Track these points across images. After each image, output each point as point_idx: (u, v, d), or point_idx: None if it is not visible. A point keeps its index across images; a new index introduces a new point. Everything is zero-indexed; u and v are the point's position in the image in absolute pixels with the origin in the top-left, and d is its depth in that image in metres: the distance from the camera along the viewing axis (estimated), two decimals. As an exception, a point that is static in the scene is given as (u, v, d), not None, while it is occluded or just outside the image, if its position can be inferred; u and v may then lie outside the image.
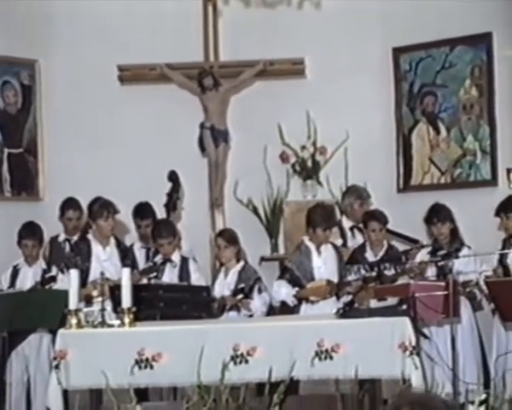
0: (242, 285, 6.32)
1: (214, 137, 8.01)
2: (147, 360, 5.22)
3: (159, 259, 6.63)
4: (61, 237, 7.36)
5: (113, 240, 6.55)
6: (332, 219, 6.61)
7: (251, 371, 5.24)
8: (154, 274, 6.44)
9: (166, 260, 6.55)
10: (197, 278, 6.55)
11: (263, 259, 7.89)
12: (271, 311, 6.45)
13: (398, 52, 8.02)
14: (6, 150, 8.00)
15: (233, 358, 5.23)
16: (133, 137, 8.16)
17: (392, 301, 5.49)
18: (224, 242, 6.49)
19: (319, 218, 6.44)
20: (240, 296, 6.27)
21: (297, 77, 8.13)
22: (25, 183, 8.12)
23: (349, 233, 7.32)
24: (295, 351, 5.23)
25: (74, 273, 5.38)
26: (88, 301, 6.09)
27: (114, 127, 8.17)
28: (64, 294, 5.46)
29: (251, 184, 8.14)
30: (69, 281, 5.55)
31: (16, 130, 8.08)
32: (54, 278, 6.31)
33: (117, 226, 6.80)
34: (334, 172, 8.11)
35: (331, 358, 5.25)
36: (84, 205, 7.11)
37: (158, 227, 6.73)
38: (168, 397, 6.16)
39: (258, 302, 6.34)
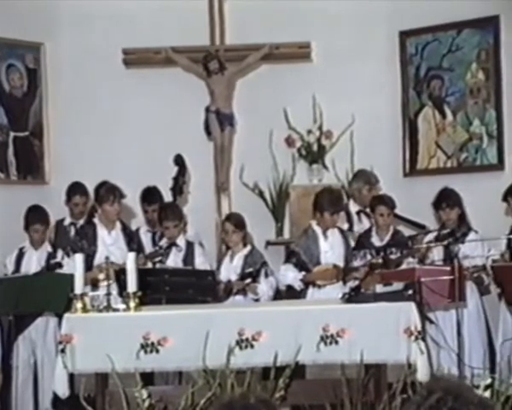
0: (250, 269, 6.30)
1: (220, 120, 7.98)
2: (152, 344, 5.21)
3: (164, 243, 6.61)
4: (67, 221, 7.34)
5: (118, 224, 6.52)
6: (339, 204, 6.58)
7: (256, 356, 5.22)
8: (160, 258, 6.41)
9: (172, 244, 6.54)
10: (201, 262, 6.54)
11: (268, 243, 7.89)
12: (278, 295, 6.42)
13: (404, 36, 7.96)
14: (12, 134, 7.97)
15: (238, 342, 5.21)
16: (139, 121, 8.13)
17: (397, 285, 5.46)
18: (231, 226, 6.47)
19: (327, 202, 6.40)
20: (248, 281, 6.25)
21: (303, 61, 8.09)
22: (30, 166, 8.10)
23: (355, 217, 7.28)
24: (301, 336, 5.22)
25: (79, 257, 5.36)
26: (94, 285, 6.07)
27: (120, 111, 8.14)
28: (69, 278, 5.44)
29: (257, 168, 8.12)
30: (74, 265, 5.54)
31: (22, 113, 8.05)
32: (60, 265, 6.28)
33: (123, 211, 6.77)
34: (339, 157, 8.08)
35: (336, 343, 5.23)
36: (91, 189, 7.09)
37: (164, 210, 6.72)
38: (173, 381, 6.17)
39: (264, 286, 6.31)
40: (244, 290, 6.29)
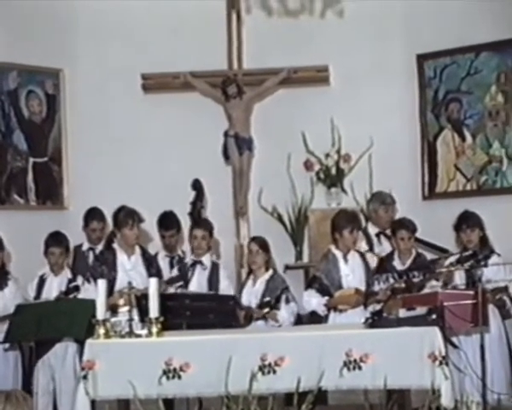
0: (268, 299, 6.28)
1: (238, 145, 8.00)
2: (174, 369, 5.19)
3: (189, 260, 6.62)
4: (85, 246, 7.37)
5: (138, 249, 6.53)
6: (357, 221, 6.59)
7: (279, 381, 5.20)
8: (180, 284, 6.41)
9: (196, 261, 6.55)
10: (227, 286, 6.55)
11: (287, 267, 7.88)
12: (299, 320, 6.40)
13: (422, 59, 7.97)
14: (31, 159, 8.02)
15: (261, 368, 5.19)
16: (157, 146, 8.17)
17: (421, 310, 5.42)
18: (256, 246, 6.48)
19: (344, 220, 6.42)
20: (266, 310, 6.23)
21: (321, 84, 8.11)
22: (49, 192, 8.14)
23: (375, 240, 7.26)
24: (323, 361, 5.19)
25: (102, 283, 5.36)
26: (113, 310, 6.05)
27: (138, 136, 8.18)
28: (91, 303, 5.44)
29: (275, 192, 8.13)
30: (95, 290, 5.55)
31: (41, 139, 8.10)
32: (77, 288, 6.29)
33: (141, 235, 6.77)
34: (358, 180, 8.09)
35: (360, 368, 5.20)
36: (109, 214, 7.10)
37: (195, 221, 6.87)
38: (194, 408, 6.13)
39: (285, 313, 6.30)
40: (264, 318, 6.28)
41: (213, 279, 6.53)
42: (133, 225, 6.41)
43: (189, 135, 8.14)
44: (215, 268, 6.59)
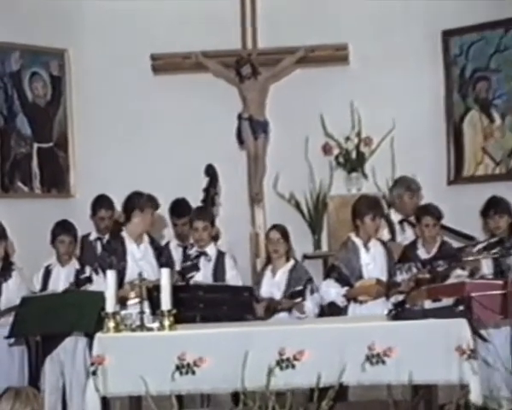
0: (300, 288, 6.28)
1: (253, 128, 8.00)
2: (188, 365, 5.18)
3: (194, 251, 6.60)
4: (93, 236, 7.37)
5: (146, 237, 6.48)
6: (379, 207, 6.55)
7: (298, 377, 5.19)
8: (194, 274, 6.41)
9: (201, 253, 6.54)
10: (233, 276, 6.50)
11: (305, 256, 7.88)
12: (322, 311, 6.38)
13: (447, 35, 7.93)
14: (35, 145, 8.04)
15: (279, 362, 5.18)
16: (168, 130, 8.17)
17: (447, 301, 5.40)
18: (278, 234, 6.46)
19: (365, 207, 6.38)
20: (298, 300, 6.23)
21: (340, 63, 8.09)
22: (55, 179, 8.16)
23: (398, 227, 7.23)
24: (345, 355, 5.18)
25: (111, 274, 5.35)
26: (123, 303, 6.05)
27: (148, 120, 8.18)
28: (100, 295, 5.44)
29: (292, 177, 8.14)
30: (104, 282, 5.53)
31: (46, 123, 8.12)
32: (89, 279, 6.28)
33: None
34: (379, 164, 8.08)
35: (383, 362, 5.18)
36: (117, 202, 7.10)
37: (195, 211, 6.79)
38: (202, 404, 6.13)
39: (311, 304, 6.30)
40: (289, 309, 6.27)
41: (219, 270, 6.50)
42: (150, 210, 6.35)
43: (201, 118, 8.14)
44: (220, 259, 6.55)
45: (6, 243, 6.63)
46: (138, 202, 6.34)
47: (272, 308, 6.24)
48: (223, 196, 7.96)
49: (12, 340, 6.29)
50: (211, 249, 6.58)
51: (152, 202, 6.36)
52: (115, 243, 6.43)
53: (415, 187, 7.35)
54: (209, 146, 7.98)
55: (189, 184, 7.65)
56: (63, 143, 8.19)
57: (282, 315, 6.27)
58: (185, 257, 6.72)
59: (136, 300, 5.59)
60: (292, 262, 6.48)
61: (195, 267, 6.47)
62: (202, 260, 6.54)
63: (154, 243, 6.55)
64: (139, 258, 6.36)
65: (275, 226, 6.61)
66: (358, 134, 8.15)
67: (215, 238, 6.76)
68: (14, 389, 4.09)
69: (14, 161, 7.89)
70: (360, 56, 8.07)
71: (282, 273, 6.41)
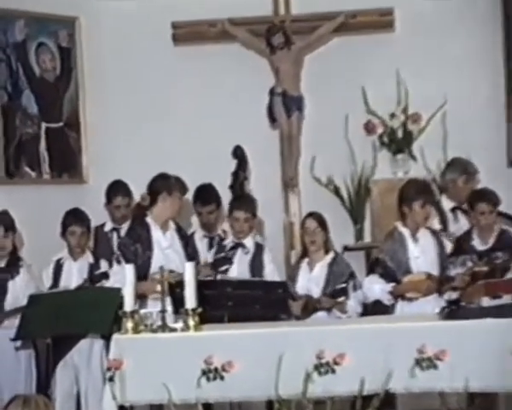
0: (343, 285, 6.33)
1: (286, 105, 8.01)
2: (216, 369, 5.23)
3: (229, 242, 6.66)
4: (108, 227, 7.42)
5: (172, 224, 6.48)
6: (429, 193, 6.55)
7: (338, 383, 5.21)
8: (226, 267, 6.44)
9: (238, 244, 6.58)
10: (272, 271, 6.57)
11: (346, 248, 7.88)
12: (365, 310, 6.41)
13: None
14: (43, 125, 8.08)
15: (317, 367, 5.22)
16: (191, 107, 8.19)
17: (508, 298, 5.40)
18: (314, 223, 6.50)
19: (414, 192, 6.40)
20: (341, 299, 6.27)
21: (384, 31, 8.08)
22: (65, 163, 8.21)
23: (450, 216, 7.22)
24: (391, 359, 5.20)
25: (129, 268, 5.39)
26: (142, 300, 6.07)
27: (169, 96, 8.21)
28: (117, 292, 5.50)
29: (330, 159, 8.14)
30: (124, 276, 5.52)
31: (55, 101, 8.16)
32: (106, 275, 6.33)
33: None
34: (429, 144, 8.06)
35: (435, 367, 5.19)
36: (134, 188, 7.16)
37: (236, 199, 6.88)
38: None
39: (353, 302, 6.33)
40: (329, 308, 6.31)
41: (256, 264, 6.56)
42: (178, 193, 6.36)
43: (228, 94, 8.15)
44: (259, 251, 6.62)
45: (14, 236, 6.71)
46: (166, 184, 6.34)
47: (311, 307, 6.27)
48: (253, 180, 8.00)
49: (18, 343, 6.38)
50: (248, 241, 6.64)
51: (180, 185, 6.38)
52: (140, 230, 6.36)
53: (471, 170, 7.33)
54: (237, 125, 8.00)
55: (214, 167, 7.69)
56: (74, 123, 8.23)
57: (321, 314, 6.31)
58: (219, 248, 6.79)
59: (158, 297, 5.61)
60: (331, 255, 6.51)
61: (228, 260, 6.50)
62: (239, 252, 6.61)
63: (180, 230, 6.55)
64: (166, 247, 6.34)
65: (311, 214, 6.65)
66: (405, 110, 8.13)
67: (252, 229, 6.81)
68: (22, 397, 4.14)
69: (19, 143, 7.93)
70: (407, 22, 8.04)
71: (321, 267, 6.44)
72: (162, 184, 6.34)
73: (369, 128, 8.22)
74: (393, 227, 6.52)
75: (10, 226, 6.64)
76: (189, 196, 7.06)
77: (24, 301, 6.19)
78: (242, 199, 6.98)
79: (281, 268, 7.19)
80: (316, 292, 6.37)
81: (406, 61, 8.00)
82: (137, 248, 6.23)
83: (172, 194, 6.32)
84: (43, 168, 8.07)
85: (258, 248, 6.65)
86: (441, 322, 5.39)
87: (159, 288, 5.60)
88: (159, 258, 6.16)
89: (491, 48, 7.95)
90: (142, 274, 5.76)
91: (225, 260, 6.54)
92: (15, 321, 6.18)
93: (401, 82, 8.07)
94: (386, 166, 8.20)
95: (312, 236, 6.49)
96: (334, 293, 6.32)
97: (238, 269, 6.56)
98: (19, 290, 6.53)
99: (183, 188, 6.41)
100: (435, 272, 6.33)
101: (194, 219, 7.58)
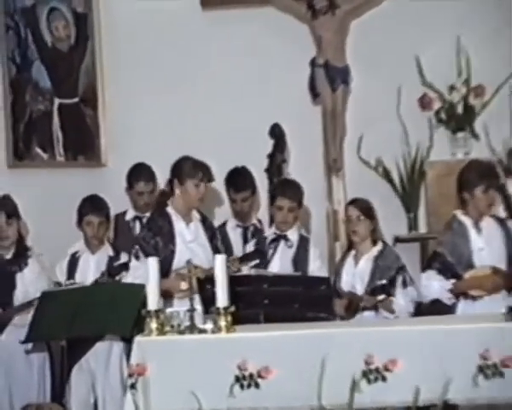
0: (383, 282, 6.33)
1: (330, 77, 8.00)
2: (251, 376, 5.23)
3: (271, 234, 6.68)
4: (130, 215, 7.47)
5: (196, 214, 6.51)
6: (494, 176, 6.53)
7: (390, 392, 5.20)
8: (258, 261, 6.45)
9: (280, 236, 6.58)
10: (318, 268, 6.59)
11: (398, 240, 7.91)
12: (418, 309, 6.40)
13: None
14: (57, 101, 8.12)
15: (365, 373, 5.20)
16: (221, 81, 8.20)
17: None
18: (356, 211, 6.53)
19: (476, 176, 6.38)
20: (381, 297, 6.28)
21: (443, -8, 8.05)
22: (81, 143, 8.26)
23: (517, 202, 7.20)
24: (450, 365, 5.18)
25: (153, 262, 5.40)
26: (168, 298, 6.11)
27: (196, 67, 8.24)
28: (140, 289, 5.52)
29: (380, 139, 8.13)
30: (146, 271, 5.53)
31: (69, 73, 8.20)
32: (126, 266, 6.34)
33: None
34: (494, 121, 8.06)
35: (501, 374, 5.17)
36: (159, 172, 7.17)
37: (281, 185, 6.93)
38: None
39: (402, 300, 6.34)
40: (375, 307, 6.32)
41: (300, 259, 6.59)
42: (203, 180, 6.35)
43: (263, 65, 8.18)
44: (303, 245, 6.64)
45: (19, 224, 6.74)
46: (186, 168, 6.35)
47: (355, 306, 6.29)
48: (292, 163, 8.03)
49: (30, 346, 6.41)
50: (292, 233, 6.67)
51: (206, 171, 6.37)
52: (161, 221, 6.41)
53: (543, 150, 7.34)
54: (274, 100, 8.02)
55: (249, 148, 7.72)
56: (91, 99, 8.28)
57: (368, 314, 6.33)
58: (259, 240, 6.82)
59: (186, 294, 5.62)
60: (379, 246, 6.53)
61: (259, 254, 6.50)
62: (282, 245, 6.64)
63: (205, 221, 6.57)
64: (190, 240, 6.38)
65: (353, 201, 6.68)
66: (467, 82, 8.13)
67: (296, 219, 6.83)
68: (34, 406, 4.18)
69: (29, 122, 7.98)
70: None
71: (367, 261, 6.48)
72: (186, 170, 6.35)
73: (424, 103, 8.22)
74: (452, 216, 6.51)
75: (13, 212, 6.67)
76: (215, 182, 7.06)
77: (35, 295, 6.21)
78: (288, 185, 6.94)
79: (324, 262, 7.18)
80: (359, 289, 6.39)
81: (468, 26, 8.00)
82: (158, 242, 6.28)
83: (186, 181, 6.32)
84: (56, 150, 8.12)
85: (303, 241, 6.68)
86: (508, 324, 5.34)
87: (183, 285, 5.62)
88: (182, 252, 6.21)
89: None
90: (163, 270, 5.75)
91: (256, 253, 6.53)
92: (27, 317, 6.20)
93: (462, 50, 8.08)
94: (443, 147, 8.20)
95: (354, 225, 6.51)
96: (375, 290, 6.33)
97: (279, 265, 6.59)
98: (28, 284, 6.60)
99: (208, 174, 6.39)
100: (502, 265, 6.32)
101: (218, 210, 7.57)
